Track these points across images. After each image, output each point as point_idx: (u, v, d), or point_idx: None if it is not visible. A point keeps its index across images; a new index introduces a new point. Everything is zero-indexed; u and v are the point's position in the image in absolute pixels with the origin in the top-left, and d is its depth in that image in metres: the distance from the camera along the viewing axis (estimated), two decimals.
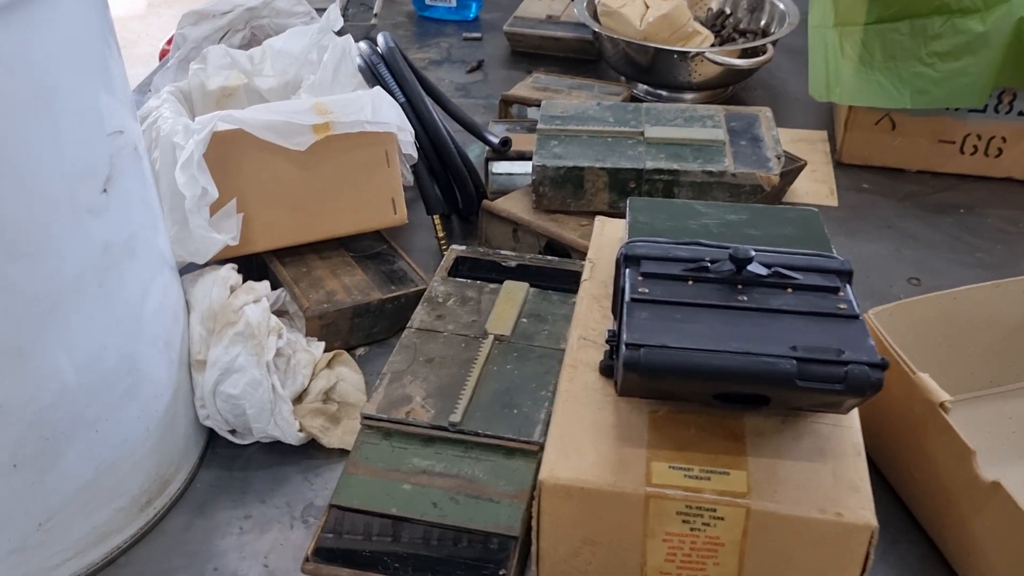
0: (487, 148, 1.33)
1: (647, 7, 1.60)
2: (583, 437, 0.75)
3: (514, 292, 1.07)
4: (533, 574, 0.78)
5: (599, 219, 1.04)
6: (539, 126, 1.24)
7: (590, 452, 0.74)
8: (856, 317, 0.71)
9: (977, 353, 1.02)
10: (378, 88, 1.13)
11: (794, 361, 0.66)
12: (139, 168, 0.82)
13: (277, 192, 1.05)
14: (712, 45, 1.60)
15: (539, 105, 1.42)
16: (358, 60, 1.19)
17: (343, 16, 1.44)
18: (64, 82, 0.69)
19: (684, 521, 0.72)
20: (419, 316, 1.03)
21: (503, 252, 1.13)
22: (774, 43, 1.54)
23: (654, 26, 1.57)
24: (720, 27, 1.71)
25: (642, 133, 1.21)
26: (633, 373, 0.67)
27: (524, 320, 1.03)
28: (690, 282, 0.76)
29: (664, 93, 1.64)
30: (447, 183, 1.21)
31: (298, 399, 0.97)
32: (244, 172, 1.03)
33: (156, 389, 0.86)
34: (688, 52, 1.53)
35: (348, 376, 1.01)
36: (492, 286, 1.08)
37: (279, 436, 0.94)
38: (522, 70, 1.76)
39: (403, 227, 1.16)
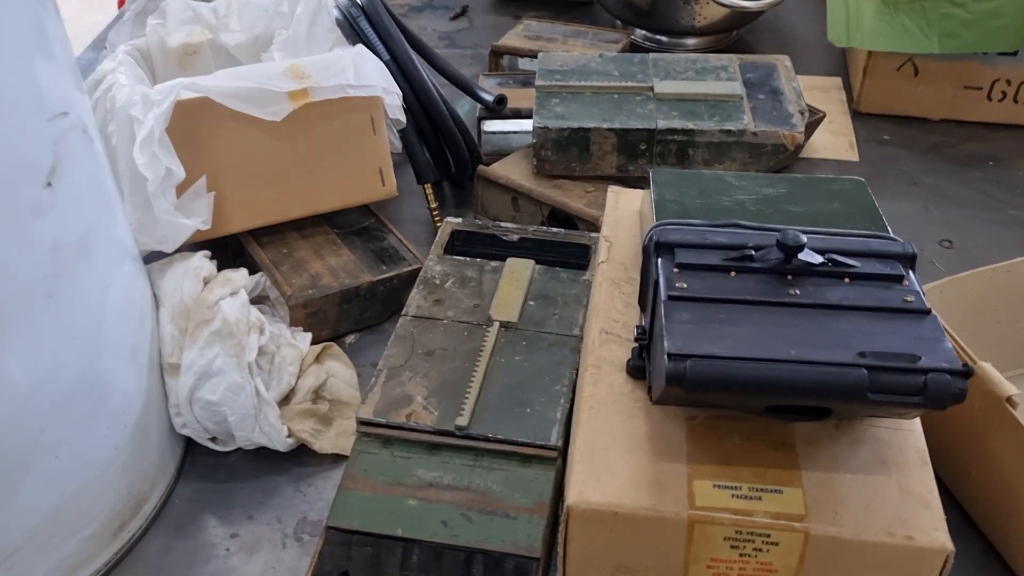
0: (479, 106, 1.22)
1: None
2: (614, 451, 0.66)
3: (518, 271, 0.97)
4: None
5: (613, 189, 0.94)
6: (538, 82, 1.13)
7: (623, 469, 0.65)
8: (927, 312, 0.62)
9: None
10: (360, 46, 1.01)
11: (864, 371, 0.57)
12: (90, 152, 0.70)
13: (251, 167, 0.94)
14: None
15: (532, 56, 1.31)
16: (335, 13, 1.07)
17: None
18: None
19: (733, 547, 0.63)
20: (415, 301, 0.93)
21: (503, 224, 1.03)
22: None
23: None
24: None
25: (651, 88, 1.10)
26: (678, 388, 0.58)
27: (531, 303, 0.93)
28: (732, 274, 0.66)
29: (664, 39, 1.53)
30: (438, 147, 1.10)
31: (284, 400, 0.87)
32: (213, 146, 0.91)
33: (124, 401, 0.76)
34: None
35: (339, 371, 0.92)
36: (493, 264, 0.98)
37: (265, 443, 0.85)
38: (510, 15, 1.64)
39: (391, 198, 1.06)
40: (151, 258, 0.89)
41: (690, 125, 1.05)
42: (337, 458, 0.88)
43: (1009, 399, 0.74)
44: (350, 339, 1.01)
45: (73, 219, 0.67)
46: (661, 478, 0.65)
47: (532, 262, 0.98)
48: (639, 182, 1.11)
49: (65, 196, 0.65)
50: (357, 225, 1.06)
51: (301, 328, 0.95)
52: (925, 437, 0.68)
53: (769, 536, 0.62)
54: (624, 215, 0.90)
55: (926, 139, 1.30)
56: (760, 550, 0.63)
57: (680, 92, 1.09)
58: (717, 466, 0.65)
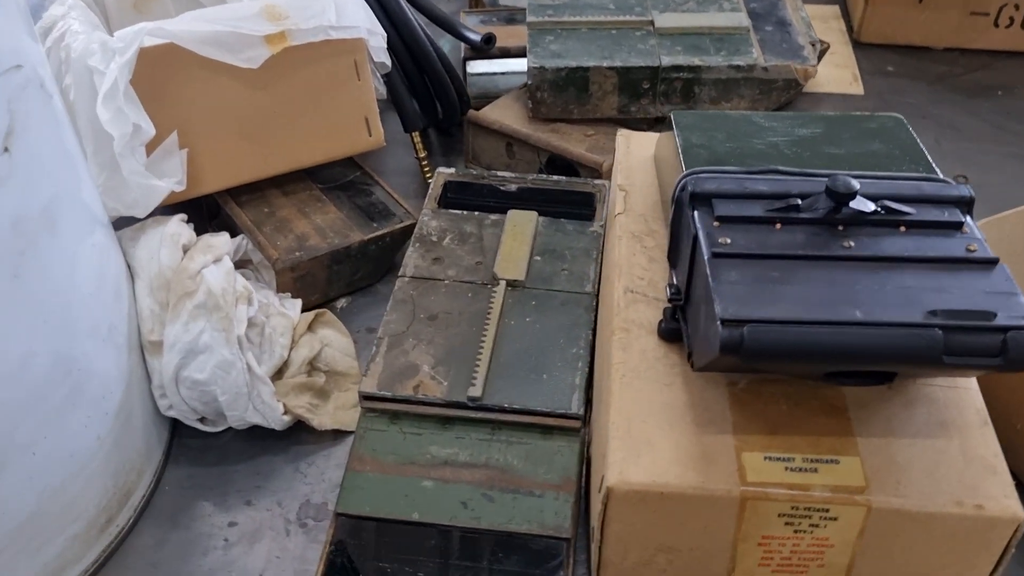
0: (463, 47, 1.14)
1: None
2: (653, 424, 0.61)
3: (521, 224, 0.90)
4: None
5: (623, 133, 0.87)
6: (529, 19, 1.04)
7: (664, 444, 0.60)
8: (994, 262, 0.57)
9: None
10: None
11: (938, 331, 0.52)
12: (49, 110, 0.62)
13: (226, 120, 0.85)
14: None
15: None
16: None
17: None
18: None
19: (788, 523, 0.58)
20: (412, 260, 0.86)
21: (500, 173, 0.96)
22: None
23: None
24: None
25: (651, 22, 1.03)
26: (733, 357, 0.52)
27: (538, 259, 0.87)
28: (778, 226, 0.60)
29: None
30: (424, 91, 1.02)
31: (277, 374, 0.80)
32: (182, 98, 0.83)
33: (104, 386, 0.69)
34: None
35: (334, 339, 0.85)
36: (493, 217, 0.92)
37: (260, 422, 0.78)
38: None
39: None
40: (120, 224, 0.81)
41: (696, 61, 0.98)
42: (337, 434, 0.82)
43: None
44: (341, 303, 0.94)
45: (35, 188, 0.59)
46: (707, 452, 0.59)
47: (535, 214, 0.91)
48: (640, 123, 1.04)
49: (24, 162, 0.57)
50: (342, 179, 0.98)
51: (289, 294, 0.88)
52: None
53: (828, 511, 0.57)
54: (637, 161, 0.83)
55: (931, 69, 1.24)
56: (817, 526, 0.58)
57: (682, 26, 1.02)
58: (766, 436, 0.60)
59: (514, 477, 0.70)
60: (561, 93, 1.00)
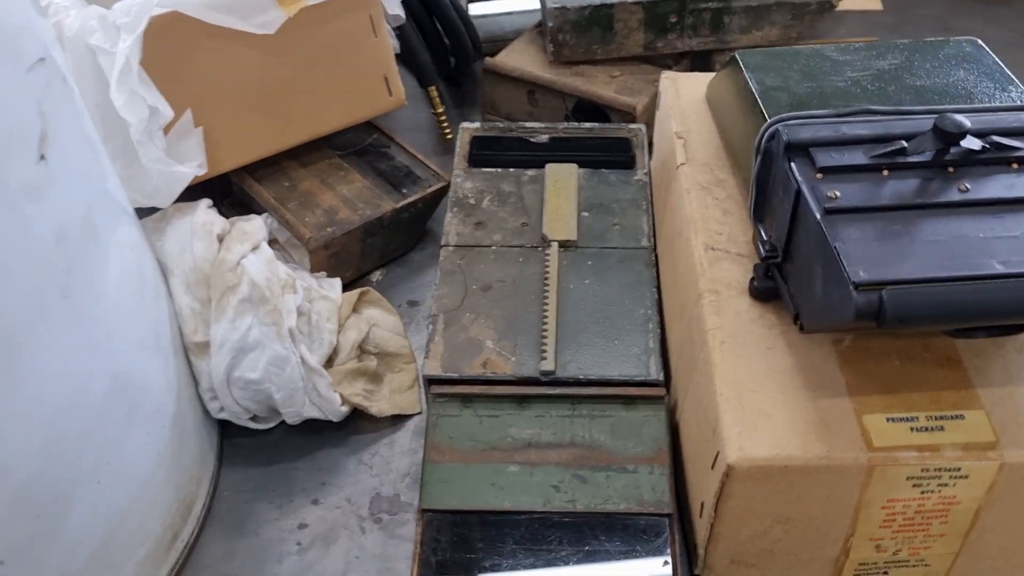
0: None
1: None
2: (763, 392, 0.58)
3: (562, 178, 0.85)
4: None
5: (668, 75, 0.81)
6: None
7: (780, 413, 0.56)
8: None
9: None
10: None
11: None
12: (72, 106, 0.56)
13: (241, 91, 0.79)
14: None
15: None
16: None
17: None
18: None
19: (915, 486, 0.56)
20: (453, 227, 0.81)
21: (528, 125, 0.90)
22: None
23: None
24: None
25: None
26: (871, 322, 0.49)
27: (586, 214, 0.82)
28: (885, 172, 0.56)
29: None
30: (438, 41, 0.96)
31: (327, 362, 0.75)
32: (192, 71, 0.76)
33: (157, 399, 0.64)
34: None
35: (381, 319, 0.80)
36: (530, 173, 0.86)
37: (317, 416, 0.74)
38: None
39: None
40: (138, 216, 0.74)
41: None
42: (395, 419, 0.77)
43: None
44: (376, 276, 0.89)
45: (74, 194, 0.53)
46: (825, 418, 0.56)
47: (575, 166, 0.86)
48: (665, 60, 0.99)
49: (61, 168, 0.51)
50: (359, 143, 0.92)
51: (324, 273, 0.82)
52: None
53: (959, 470, 0.55)
54: (689, 105, 0.78)
55: None
56: (946, 485, 0.56)
57: None
58: (883, 395, 0.57)
59: (603, 454, 0.67)
60: (584, 34, 0.94)
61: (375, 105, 0.87)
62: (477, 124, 0.90)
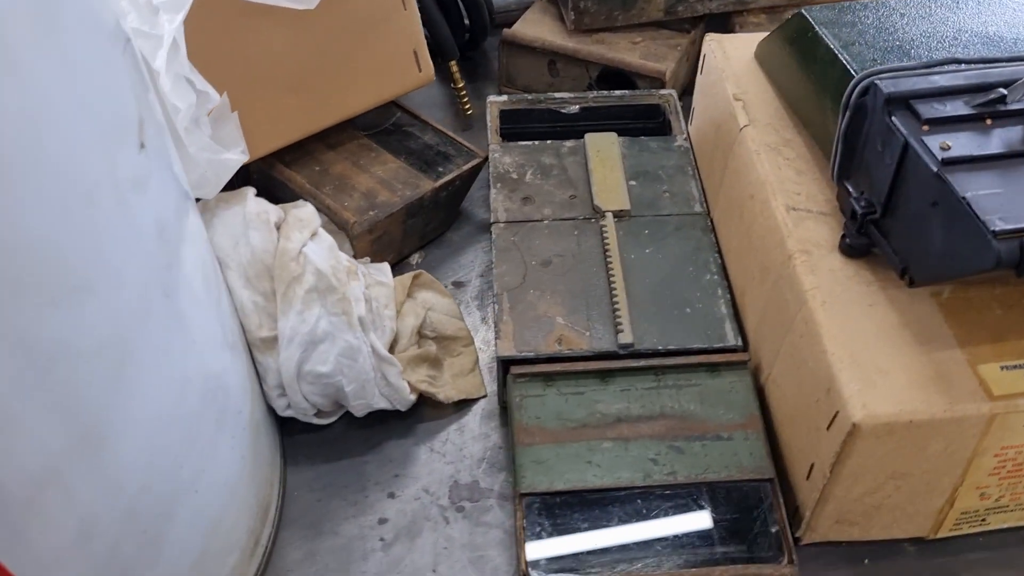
0: None
1: None
2: (875, 350, 0.57)
3: (604, 148, 0.83)
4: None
5: (712, 38, 0.80)
6: None
7: (896, 369, 0.56)
8: None
9: None
10: None
11: None
12: (145, 82, 0.51)
13: (273, 72, 0.75)
14: None
15: None
16: None
17: None
18: None
19: None
20: (500, 204, 0.79)
21: (558, 95, 0.88)
22: None
23: None
24: None
25: None
26: (1011, 270, 0.49)
27: (633, 183, 0.81)
28: (988, 121, 0.56)
29: None
30: (456, 13, 0.93)
31: (388, 350, 0.72)
32: (225, 52, 0.72)
33: (238, 400, 0.60)
34: None
35: (436, 302, 0.77)
36: (569, 143, 0.84)
37: (385, 406, 0.71)
38: None
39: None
40: None
41: None
42: (459, 404, 0.75)
43: None
44: (415, 259, 0.86)
45: (167, 186, 0.49)
46: (941, 371, 0.56)
47: (615, 135, 0.84)
48: (682, 24, 0.97)
49: (156, 155, 0.47)
50: (385, 123, 0.88)
51: (368, 258, 0.79)
52: None
53: None
54: (740, 67, 0.77)
55: None
56: None
57: None
58: (993, 344, 0.57)
59: (696, 423, 0.66)
60: (606, 0, 0.92)
61: (405, 82, 0.83)
62: (504, 97, 0.88)
